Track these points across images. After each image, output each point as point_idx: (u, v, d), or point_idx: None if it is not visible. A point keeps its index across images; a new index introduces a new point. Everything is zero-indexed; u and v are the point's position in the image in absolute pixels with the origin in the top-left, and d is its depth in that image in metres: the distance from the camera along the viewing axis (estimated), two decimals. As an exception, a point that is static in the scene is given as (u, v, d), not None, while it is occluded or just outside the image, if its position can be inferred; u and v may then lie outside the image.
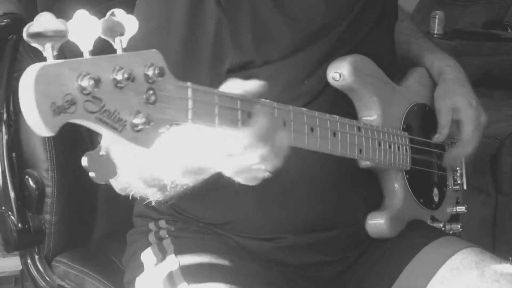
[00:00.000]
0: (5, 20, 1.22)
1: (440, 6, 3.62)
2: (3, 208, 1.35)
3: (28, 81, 0.56)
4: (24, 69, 1.42)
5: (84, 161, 0.63)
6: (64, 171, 1.37)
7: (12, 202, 1.34)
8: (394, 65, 1.26)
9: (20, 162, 1.37)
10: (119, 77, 0.62)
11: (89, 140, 1.36)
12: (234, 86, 0.79)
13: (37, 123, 0.57)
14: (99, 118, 0.61)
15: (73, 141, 1.36)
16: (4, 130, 1.34)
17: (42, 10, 1.36)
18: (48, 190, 1.36)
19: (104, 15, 0.64)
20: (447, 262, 1.13)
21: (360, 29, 1.14)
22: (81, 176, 1.38)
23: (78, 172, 1.38)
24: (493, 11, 3.63)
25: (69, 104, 0.58)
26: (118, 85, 0.62)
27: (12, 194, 1.34)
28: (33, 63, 1.46)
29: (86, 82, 0.59)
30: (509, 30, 3.42)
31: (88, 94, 0.60)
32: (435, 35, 3.42)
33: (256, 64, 1.04)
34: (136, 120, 0.64)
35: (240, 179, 0.81)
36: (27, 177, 1.36)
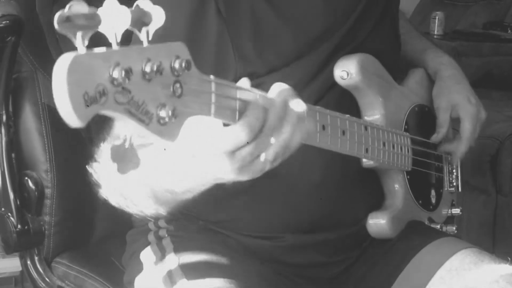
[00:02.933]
0: (3, 22, 1.22)
1: (440, 7, 3.62)
2: (3, 209, 1.34)
3: (62, 70, 0.55)
4: (22, 71, 1.42)
5: (109, 153, 0.63)
6: (63, 173, 1.37)
7: (11, 204, 1.34)
8: (398, 64, 1.25)
9: (19, 164, 1.37)
10: (148, 69, 0.62)
11: (88, 141, 1.36)
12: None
13: (69, 113, 0.55)
14: (127, 110, 0.60)
15: (73, 143, 1.36)
16: (3, 131, 1.33)
17: (41, 12, 1.37)
18: (48, 191, 1.36)
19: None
20: (446, 263, 1.13)
21: (362, 29, 1.14)
22: (81, 177, 1.39)
23: (77, 173, 1.39)
24: (493, 12, 3.64)
25: (100, 95, 0.57)
26: (147, 77, 0.62)
27: (11, 196, 1.34)
28: (32, 65, 1.46)
29: (117, 73, 0.58)
30: (509, 31, 3.42)
31: (119, 85, 0.59)
32: (435, 36, 3.42)
33: (260, 74, 1.04)
34: (163, 113, 0.63)
35: (243, 177, 0.80)
36: (26, 178, 1.36)
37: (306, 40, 1.07)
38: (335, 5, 1.11)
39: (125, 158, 0.64)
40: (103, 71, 0.58)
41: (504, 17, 3.59)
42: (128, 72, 0.59)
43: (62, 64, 0.55)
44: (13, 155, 1.35)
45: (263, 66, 1.03)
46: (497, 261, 1.12)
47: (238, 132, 0.74)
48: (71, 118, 0.56)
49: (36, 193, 1.35)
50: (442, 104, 1.28)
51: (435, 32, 3.46)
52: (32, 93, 1.34)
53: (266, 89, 1.02)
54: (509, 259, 1.13)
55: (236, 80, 1.01)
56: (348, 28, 1.11)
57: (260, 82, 1.03)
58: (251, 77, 1.01)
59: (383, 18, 1.19)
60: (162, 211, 0.94)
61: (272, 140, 0.77)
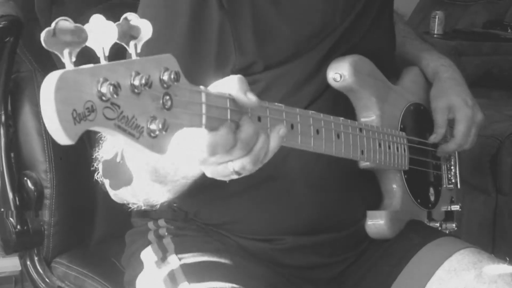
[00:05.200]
0: (2, 23, 1.22)
1: (440, 6, 3.63)
2: (2, 209, 1.35)
3: (49, 88, 0.55)
4: (21, 71, 1.42)
5: (101, 168, 0.62)
6: (63, 173, 1.37)
7: (11, 204, 1.34)
8: (393, 64, 1.26)
9: (18, 164, 1.37)
10: (136, 82, 0.62)
11: (87, 141, 1.36)
12: (235, 85, 0.76)
13: (58, 131, 0.55)
14: (117, 125, 0.60)
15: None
16: (2, 131, 1.34)
17: (40, 12, 1.37)
18: (47, 191, 1.36)
19: (103, 16, 0.63)
20: (445, 263, 1.13)
21: (359, 29, 1.14)
22: (80, 177, 1.39)
23: (77, 173, 1.40)
24: (493, 11, 3.64)
25: (89, 111, 0.57)
26: (136, 90, 0.62)
27: (10, 196, 1.34)
28: (31, 65, 1.46)
29: (105, 89, 0.58)
30: (509, 30, 3.42)
31: (107, 100, 0.59)
32: (435, 35, 3.42)
33: (258, 69, 1.04)
34: (153, 126, 0.63)
35: (207, 173, 0.79)
36: (25, 178, 1.36)
37: (305, 36, 1.07)
38: (334, 3, 1.11)
39: (117, 173, 0.63)
40: (91, 87, 0.58)
41: (504, 16, 3.59)
42: (116, 87, 0.59)
43: (49, 82, 0.55)
44: (12, 155, 1.36)
45: (261, 60, 1.04)
46: (495, 261, 1.12)
47: (203, 147, 0.72)
48: (60, 136, 0.56)
49: (36, 193, 1.35)
50: (440, 105, 1.28)
51: (435, 31, 3.46)
52: (31, 93, 1.34)
53: (261, 86, 1.03)
54: (507, 259, 1.13)
55: (233, 72, 1.02)
56: (346, 27, 1.12)
57: (257, 79, 1.03)
58: (248, 72, 1.02)
59: (380, 16, 1.19)
60: (169, 195, 0.93)
61: (242, 153, 0.76)
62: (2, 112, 1.33)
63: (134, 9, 1.07)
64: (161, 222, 1.15)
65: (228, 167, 0.76)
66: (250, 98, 0.76)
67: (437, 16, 3.48)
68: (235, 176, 0.78)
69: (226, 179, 0.79)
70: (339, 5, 1.12)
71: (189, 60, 0.99)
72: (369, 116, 1.13)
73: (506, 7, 3.60)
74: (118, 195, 0.98)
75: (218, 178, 0.79)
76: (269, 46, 1.04)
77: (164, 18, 1.01)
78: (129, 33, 0.63)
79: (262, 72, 1.04)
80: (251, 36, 1.03)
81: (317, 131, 0.91)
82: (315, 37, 1.09)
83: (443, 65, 1.33)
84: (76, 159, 1.39)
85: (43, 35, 0.57)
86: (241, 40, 1.02)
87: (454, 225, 1.33)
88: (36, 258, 1.40)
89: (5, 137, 1.34)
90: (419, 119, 1.28)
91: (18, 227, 1.34)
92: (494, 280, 1.08)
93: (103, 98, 0.58)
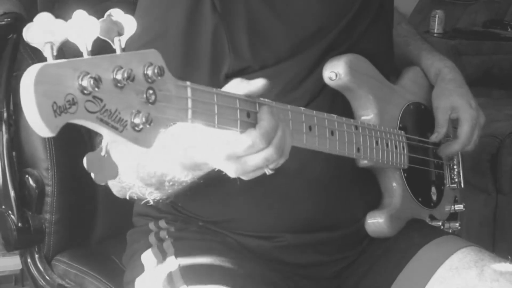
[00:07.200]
0: (5, 20, 1.22)
1: (440, 6, 3.63)
2: (3, 207, 1.35)
3: (28, 81, 0.56)
4: (24, 69, 1.42)
5: (85, 162, 0.63)
6: (64, 170, 1.37)
7: (12, 201, 1.34)
8: (391, 64, 1.26)
9: (20, 161, 1.37)
10: (119, 76, 0.62)
11: (88, 139, 1.36)
12: (238, 86, 0.79)
13: (38, 123, 0.56)
14: (100, 118, 0.61)
15: (73, 140, 1.36)
16: (4, 129, 1.34)
17: (43, 10, 1.37)
18: (48, 189, 1.36)
19: (103, 15, 0.64)
20: (446, 262, 1.13)
21: (356, 29, 1.15)
22: (81, 175, 1.38)
23: (78, 171, 1.39)
24: (493, 10, 3.64)
25: (70, 104, 0.58)
26: (118, 84, 0.62)
27: (12, 193, 1.34)
28: (33, 62, 1.46)
29: (86, 82, 0.59)
30: (509, 29, 3.42)
31: (89, 94, 0.59)
32: (435, 35, 3.42)
33: (253, 69, 1.04)
34: (137, 120, 0.64)
35: (241, 177, 0.82)
36: (27, 176, 1.36)
37: (299, 38, 1.08)
38: (330, 5, 1.11)
39: (101, 167, 0.64)
40: (72, 80, 0.58)
41: (504, 15, 3.59)
42: (97, 80, 0.60)
43: (29, 75, 0.56)
44: (14, 153, 1.36)
45: (256, 61, 1.04)
46: (497, 259, 1.12)
47: (256, 140, 0.77)
48: (41, 128, 0.56)
49: (37, 191, 1.35)
50: (442, 104, 1.28)
51: (435, 31, 3.46)
52: (33, 91, 1.34)
53: None
54: (510, 257, 1.13)
55: (229, 74, 1.02)
56: (342, 28, 1.12)
57: (253, 77, 1.03)
58: (244, 72, 1.02)
59: (377, 18, 1.19)
60: (158, 195, 0.96)
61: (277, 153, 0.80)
62: (4, 110, 1.33)
63: (135, 8, 1.07)
64: (162, 223, 1.15)
65: (264, 170, 0.81)
66: (255, 79, 0.80)
67: (437, 15, 3.48)
68: (269, 173, 0.82)
69: (253, 175, 0.83)
70: (335, 8, 1.12)
71: (184, 63, 1.00)
72: (367, 114, 1.13)
73: (506, 6, 3.60)
74: (122, 191, 0.99)
75: (249, 178, 0.83)
76: (263, 48, 1.05)
77: (159, 22, 1.02)
78: (113, 29, 0.64)
79: (257, 71, 1.05)
80: (245, 39, 1.03)
81: (310, 128, 0.92)
82: (310, 39, 1.09)
83: (446, 67, 1.33)
84: (77, 157, 1.39)
85: (24, 29, 0.58)
86: (235, 43, 1.02)
87: (457, 224, 1.33)
88: (36, 256, 1.40)
89: (7, 135, 1.34)
90: (419, 118, 1.28)
91: (19, 224, 1.35)
92: (496, 279, 1.08)
93: (85, 91, 0.59)
